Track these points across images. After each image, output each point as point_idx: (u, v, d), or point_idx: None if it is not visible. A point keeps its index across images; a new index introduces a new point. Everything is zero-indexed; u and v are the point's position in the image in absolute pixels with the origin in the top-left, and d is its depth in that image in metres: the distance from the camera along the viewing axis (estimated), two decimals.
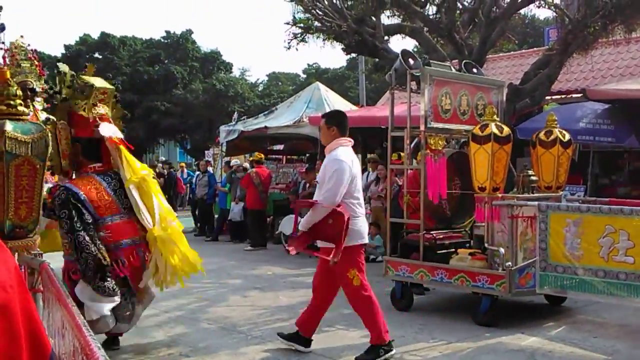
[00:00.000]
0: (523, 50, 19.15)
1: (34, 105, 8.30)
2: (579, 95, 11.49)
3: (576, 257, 5.76)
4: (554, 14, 11.16)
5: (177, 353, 5.66)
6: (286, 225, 11.96)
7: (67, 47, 42.02)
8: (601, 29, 9.71)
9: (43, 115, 8.30)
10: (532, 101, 10.37)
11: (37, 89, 8.48)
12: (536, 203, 6.15)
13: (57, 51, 41.70)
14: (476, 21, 11.12)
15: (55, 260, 8.79)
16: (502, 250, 6.35)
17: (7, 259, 0.98)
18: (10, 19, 3.97)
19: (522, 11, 12.31)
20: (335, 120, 5.52)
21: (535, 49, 18.78)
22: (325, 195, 5.16)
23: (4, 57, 8.20)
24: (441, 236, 7.40)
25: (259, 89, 47.78)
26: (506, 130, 6.56)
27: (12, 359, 0.99)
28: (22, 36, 8.56)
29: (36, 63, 8.62)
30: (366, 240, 5.57)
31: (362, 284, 5.38)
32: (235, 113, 18.04)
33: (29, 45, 8.54)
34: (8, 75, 3.39)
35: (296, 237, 5.57)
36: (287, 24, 11.45)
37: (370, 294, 5.38)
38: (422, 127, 7.00)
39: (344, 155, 5.24)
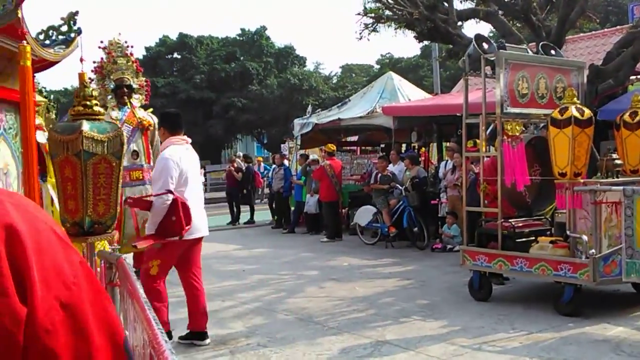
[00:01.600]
0: (605, 30, 18.29)
1: (131, 102, 8.55)
2: None
3: None
4: None
5: (255, 343, 5.76)
6: (362, 216, 11.96)
7: (147, 48, 43.40)
8: None
9: (141, 112, 8.59)
10: (616, 82, 9.89)
11: (135, 86, 8.64)
12: (621, 188, 5.89)
13: (139, 53, 43.04)
14: (554, 1, 10.72)
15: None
16: (585, 237, 6.11)
17: (71, 255, 1.00)
18: (89, 24, 4.09)
19: None
20: (163, 121, 6.13)
21: (618, 27, 17.91)
22: (157, 192, 5.55)
23: (101, 60, 8.51)
24: (520, 224, 7.20)
25: (333, 82, 47.88)
26: (587, 112, 6.30)
27: (82, 357, 1.00)
28: (119, 33, 8.77)
29: (133, 59, 8.76)
30: (195, 235, 5.66)
31: (157, 276, 5.64)
32: (310, 106, 18.12)
33: (125, 42, 8.71)
34: (85, 78, 3.51)
35: (144, 238, 5.90)
36: (358, 14, 11.40)
37: (160, 288, 5.66)
38: (498, 113, 6.81)
39: (170, 152, 5.60)
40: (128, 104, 8.57)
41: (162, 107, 39.16)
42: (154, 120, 8.55)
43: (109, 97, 8.47)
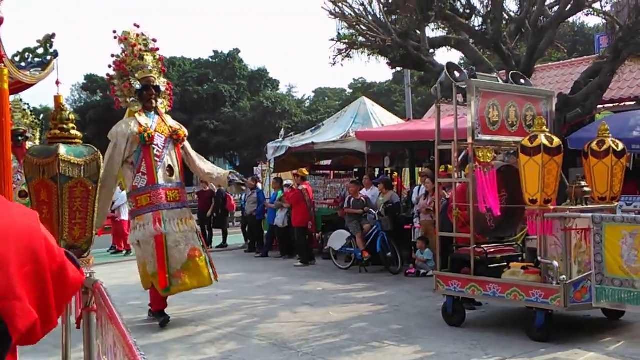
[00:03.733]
0: (573, 59, 18.77)
1: (156, 108, 7.51)
2: (633, 102, 11.19)
3: (634, 270, 5.60)
4: (604, 21, 10.96)
5: None
6: (335, 240, 11.98)
7: None
8: None
9: (170, 120, 7.65)
10: (583, 111, 10.14)
11: (162, 88, 7.64)
12: (590, 215, 6.01)
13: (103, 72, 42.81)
14: (523, 31, 10.97)
15: (114, 277, 8.96)
16: (555, 263, 6.22)
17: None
18: (55, 37, 4.07)
19: (571, 19, 12.11)
20: None
21: (585, 57, 18.41)
22: None
23: (124, 54, 7.41)
24: (492, 250, 7.29)
25: (306, 105, 48.15)
26: (556, 141, 6.44)
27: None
28: (137, 25, 7.59)
29: (159, 56, 7.72)
30: None
31: None
32: (282, 129, 18.18)
33: (148, 35, 7.62)
34: (62, 101, 3.51)
35: None
36: (332, 40, 11.53)
37: None
38: (469, 140, 6.93)
39: None
40: (159, 107, 7.62)
41: None
42: (186, 131, 7.86)
43: (132, 99, 7.42)
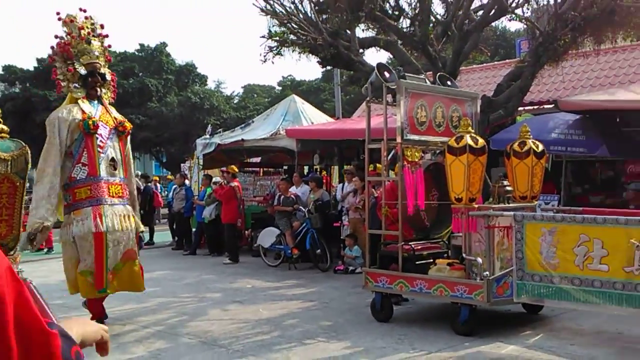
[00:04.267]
0: (496, 62, 19.45)
1: (100, 98, 7.11)
2: (551, 106, 11.69)
3: (552, 266, 5.87)
4: (525, 26, 11.41)
5: None
6: (265, 237, 11.97)
7: (39, 60, 41.58)
8: (571, 41, 9.94)
9: (113, 110, 7.24)
10: (506, 112, 10.54)
11: (108, 77, 7.24)
12: (512, 213, 6.27)
13: (30, 64, 41.18)
14: (449, 34, 11.28)
15: (35, 276, 8.66)
16: (479, 260, 6.45)
17: None
18: None
19: (493, 24, 12.54)
20: None
21: (507, 60, 19.10)
22: None
23: (70, 36, 6.94)
24: (419, 247, 7.48)
25: (235, 102, 47.74)
26: (481, 141, 6.68)
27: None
28: (83, 10, 7.12)
29: (106, 44, 7.29)
30: None
31: None
32: (209, 126, 18.01)
33: (96, 20, 7.18)
34: None
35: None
36: (263, 37, 11.51)
37: None
38: (398, 139, 7.08)
39: None
40: (103, 96, 7.21)
41: None
42: (130, 125, 7.49)
43: (74, 85, 6.98)
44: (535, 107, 13.10)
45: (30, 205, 6.70)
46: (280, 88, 52.25)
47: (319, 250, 11.20)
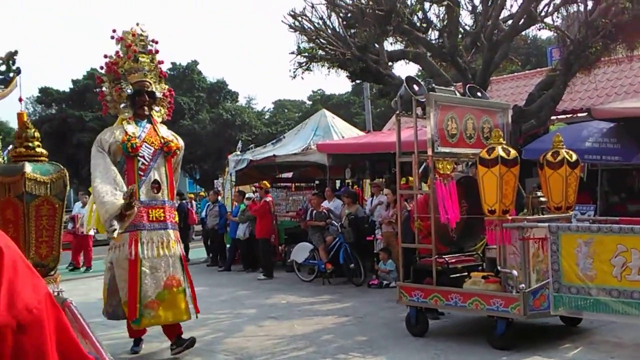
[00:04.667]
0: (527, 71, 19.28)
1: (151, 116, 6.73)
2: (584, 114, 11.55)
3: (589, 278, 5.79)
4: (556, 34, 11.31)
5: None
6: (298, 253, 12.01)
7: (74, 81, 42.53)
8: (603, 49, 9.81)
9: (164, 130, 6.83)
10: (538, 122, 10.43)
11: (158, 94, 6.81)
12: (546, 224, 6.19)
13: (66, 86, 42.14)
14: (478, 45, 11.25)
15: (75, 295, 8.75)
16: (514, 272, 6.38)
17: (37, 284, 1.08)
18: (17, 54, 4.03)
19: (524, 32, 12.45)
20: None
21: (538, 69, 18.91)
22: None
23: (117, 55, 6.65)
24: (453, 260, 7.43)
25: (266, 117, 48.15)
26: (513, 152, 6.63)
27: None
28: (137, 24, 6.82)
29: (157, 59, 6.85)
30: None
31: None
32: (240, 142, 18.17)
33: (147, 35, 6.79)
34: (25, 118, 3.50)
35: None
36: (292, 53, 11.62)
37: None
38: (429, 152, 7.07)
39: None
40: (153, 115, 6.79)
41: (90, 142, 38.39)
42: (181, 143, 7.00)
43: (123, 105, 6.64)
44: (569, 115, 12.94)
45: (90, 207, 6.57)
46: (310, 102, 52.50)
47: (352, 265, 11.19)
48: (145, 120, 6.70)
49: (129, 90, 6.58)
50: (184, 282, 6.65)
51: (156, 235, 6.44)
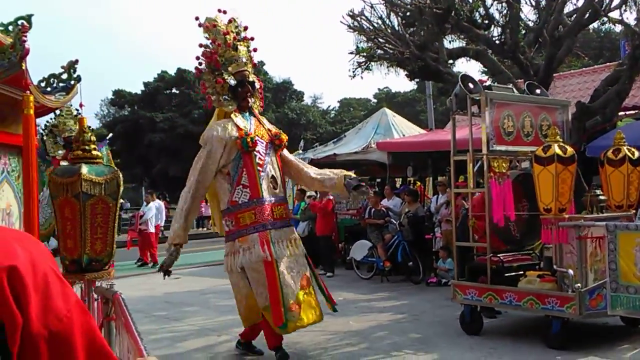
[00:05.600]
0: (595, 66, 18.69)
1: (252, 109, 6.37)
2: None
3: None
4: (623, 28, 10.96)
5: None
6: (357, 250, 12.10)
7: (145, 84, 43.93)
8: None
9: (265, 121, 6.61)
10: (603, 118, 10.15)
11: (257, 84, 6.49)
12: (604, 223, 6.06)
13: (137, 88, 43.64)
14: (541, 40, 11.03)
15: (141, 289, 9.08)
16: (571, 271, 6.28)
17: (66, 292, 1.20)
18: (89, 63, 4.26)
19: (595, 25, 12.11)
20: None
21: (607, 64, 18.29)
22: None
23: (215, 44, 6.20)
24: (509, 259, 7.36)
25: (331, 116, 48.35)
26: (570, 150, 6.51)
27: None
28: (223, 12, 6.38)
29: (252, 47, 6.46)
30: None
31: None
32: (302, 141, 18.38)
33: (241, 22, 6.40)
34: (85, 123, 3.74)
35: None
36: (351, 53, 11.71)
37: None
38: (484, 151, 7.03)
39: None
40: (254, 105, 6.42)
41: (161, 142, 39.60)
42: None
43: (224, 97, 6.22)
44: (637, 111, 12.49)
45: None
46: (375, 100, 52.40)
47: (411, 263, 11.19)
48: (248, 113, 6.33)
49: (232, 81, 6.14)
50: (313, 279, 6.36)
51: (283, 234, 6.11)
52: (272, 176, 6.21)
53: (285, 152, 6.70)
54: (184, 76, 43.43)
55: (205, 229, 29.35)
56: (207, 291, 11.16)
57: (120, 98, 42.15)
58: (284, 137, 6.49)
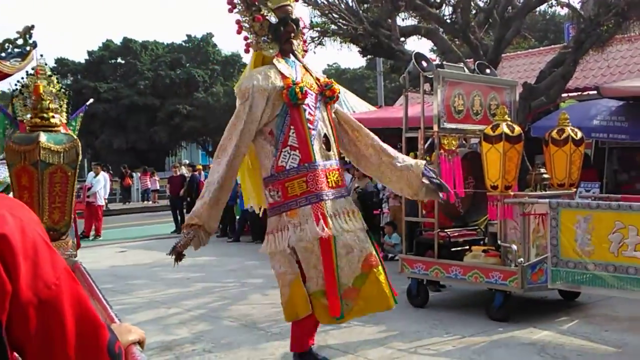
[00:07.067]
0: (541, 48, 19.17)
1: (295, 53, 5.05)
2: (594, 92, 11.55)
3: (587, 253, 5.88)
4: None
5: (200, 349, 5.91)
6: None
7: (90, 52, 42.72)
8: (615, 27, 9.78)
9: (313, 70, 5.29)
10: (548, 99, 10.45)
11: (301, 23, 5.17)
12: (547, 200, 6.29)
13: (81, 57, 42.39)
14: (491, 21, 11.24)
15: (85, 262, 8.94)
16: (514, 247, 6.51)
17: (55, 259, 1.20)
18: (34, 28, 4.15)
19: (541, 8, 12.40)
20: None
21: (552, 46, 18.80)
22: None
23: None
24: (455, 234, 7.57)
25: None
26: (517, 129, 6.70)
27: (56, 347, 1.20)
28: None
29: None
30: None
31: None
32: None
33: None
34: (41, 90, 3.65)
35: None
36: (305, 28, 11.65)
37: None
38: (435, 128, 7.17)
39: None
40: (294, 53, 5.11)
41: (105, 113, 38.70)
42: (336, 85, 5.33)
43: (263, 38, 4.96)
44: (580, 93, 12.92)
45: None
46: (325, 76, 52.30)
47: None
48: (292, 57, 5.11)
49: (273, 19, 4.97)
50: (380, 261, 5.10)
51: (339, 206, 4.92)
52: (325, 135, 4.99)
53: (339, 107, 5.54)
54: (129, 46, 42.45)
55: (150, 202, 28.99)
56: (154, 264, 11.08)
57: (63, 67, 40.89)
58: (337, 87, 5.26)
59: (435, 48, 14.13)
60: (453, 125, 7.34)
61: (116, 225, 19.25)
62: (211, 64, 43.16)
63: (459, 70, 8.05)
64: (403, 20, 11.90)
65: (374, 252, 4.99)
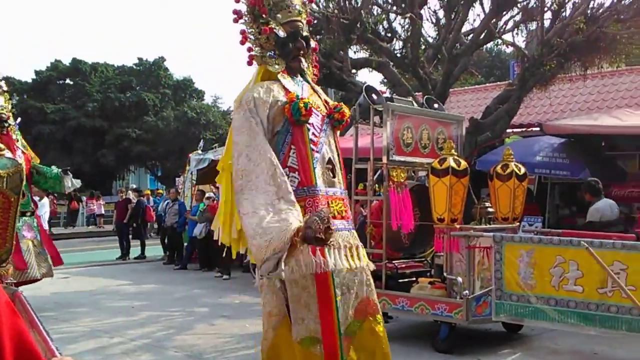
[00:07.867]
0: (487, 84, 19.75)
1: (304, 73, 4.44)
2: (537, 128, 11.94)
3: (529, 286, 6.03)
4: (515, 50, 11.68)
5: None
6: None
7: (37, 72, 41.86)
8: (558, 67, 10.19)
9: (321, 92, 4.62)
10: (493, 134, 10.76)
11: (312, 43, 4.57)
12: (492, 234, 6.44)
13: (28, 76, 41.48)
14: (439, 57, 11.54)
15: (27, 288, 8.67)
16: (459, 279, 6.61)
17: None
18: None
19: (488, 45, 12.80)
20: None
21: (498, 82, 19.41)
22: None
23: None
24: (403, 265, 7.64)
25: (232, 117, 47.97)
26: (463, 164, 6.86)
27: None
28: None
29: None
30: None
31: None
32: (202, 141, 18.16)
33: None
34: None
35: None
36: (316, 50, 11.71)
37: None
38: (384, 160, 7.27)
39: None
40: (302, 73, 4.53)
41: (51, 134, 37.84)
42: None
43: (269, 53, 4.44)
44: (524, 129, 13.33)
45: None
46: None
47: None
48: (300, 77, 4.55)
49: (281, 33, 4.47)
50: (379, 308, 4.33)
51: (342, 239, 4.11)
52: (329, 160, 4.34)
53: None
54: (78, 67, 41.77)
55: (96, 226, 28.34)
56: (97, 292, 10.81)
57: (8, 86, 39.86)
58: (347, 111, 4.60)
59: (385, 80, 14.39)
60: (402, 158, 7.46)
61: (60, 250, 18.67)
62: (162, 87, 42.81)
63: (408, 104, 8.21)
64: (355, 52, 12.11)
65: (372, 298, 4.18)
